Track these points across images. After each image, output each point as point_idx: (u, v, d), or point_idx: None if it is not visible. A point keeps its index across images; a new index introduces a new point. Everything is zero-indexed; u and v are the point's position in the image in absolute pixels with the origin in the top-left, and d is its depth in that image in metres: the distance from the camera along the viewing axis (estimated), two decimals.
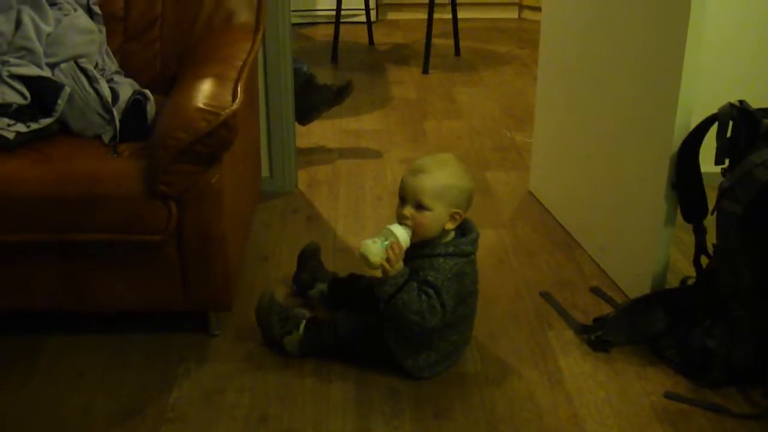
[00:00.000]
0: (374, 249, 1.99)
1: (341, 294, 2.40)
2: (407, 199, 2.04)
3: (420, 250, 2.07)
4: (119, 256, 2.15)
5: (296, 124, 3.45)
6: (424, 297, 2.00)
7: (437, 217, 2.03)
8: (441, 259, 2.04)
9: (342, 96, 3.52)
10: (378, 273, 2.05)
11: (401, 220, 2.04)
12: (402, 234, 2.01)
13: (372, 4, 5.39)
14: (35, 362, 2.22)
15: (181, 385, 2.14)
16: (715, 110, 2.12)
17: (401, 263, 2.02)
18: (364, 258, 1.99)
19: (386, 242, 1.99)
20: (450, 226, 2.06)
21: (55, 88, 2.23)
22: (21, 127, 2.16)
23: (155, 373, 2.18)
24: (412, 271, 2.04)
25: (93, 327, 2.34)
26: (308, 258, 2.50)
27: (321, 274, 2.47)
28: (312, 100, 3.42)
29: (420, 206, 2.02)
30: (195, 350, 2.26)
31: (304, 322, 2.21)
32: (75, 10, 2.44)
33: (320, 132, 3.75)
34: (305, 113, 3.41)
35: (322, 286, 2.43)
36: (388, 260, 1.98)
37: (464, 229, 2.12)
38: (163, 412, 2.05)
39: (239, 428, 2.00)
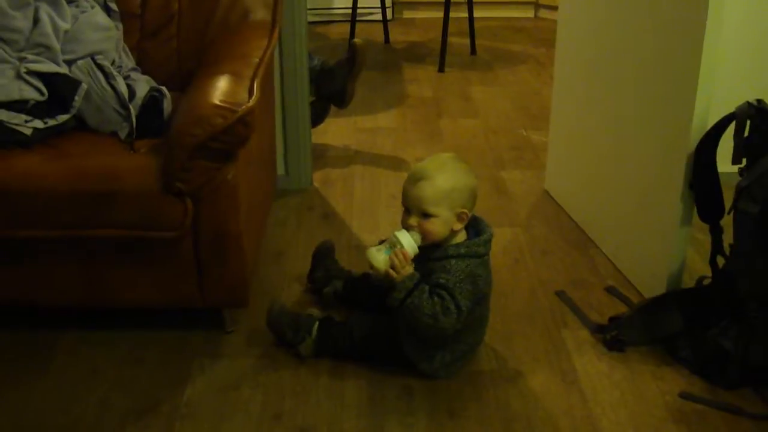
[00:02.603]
0: (379, 257, 2.01)
1: (356, 293, 2.40)
2: (411, 208, 2.05)
3: (431, 253, 2.07)
4: (135, 252, 2.15)
5: (325, 118, 3.48)
6: (436, 299, 1.99)
7: (443, 221, 2.03)
8: (453, 261, 2.03)
9: (354, 61, 3.43)
10: (387, 280, 2.04)
11: (408, 228, 2.05)
12: (408, 240, 2.02)
13: (388, 2, 5.39)
14: (51, 358, 2.23)
15: (195, 382, 2.14)
16: (732, 109, 2.11)
17: (409, 268, 2.02)
18: (370, 265, 2.03)
19: (390, 250, 2.01)
20: (458, 226, 2.06)
21: (72, 84, 2.24)
22: (38, 124, 2.17)
23: (170, 370, 2.18)
24: (424, 275, 2.04)
25: (108, 323, 2.35)
26: (322, 256, 2.50)
27: (335, 272, 2.46)
28: (337, 83, 3.41)
29: (425, 215, 2.02)
30: (209, 347, 2.27)
31: (317, 324, 2.20)
32: (92, 7, 2.45)
33: (336, 130, 3.75)
34: (339, 96, 3.41)
35: (337, 284, 2.43)
36: (393, 267, 1.99)
37: (478, 229, 2.12)
38: (177, 408, 2.05)
39: (253, 425, 2.00)
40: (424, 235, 2.03)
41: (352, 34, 4.83)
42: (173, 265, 2.17)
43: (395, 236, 2.03)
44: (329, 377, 2.16)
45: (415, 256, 2.04)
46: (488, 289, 2.13)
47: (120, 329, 2.33)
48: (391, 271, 2.00)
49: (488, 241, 2.10)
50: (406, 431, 1.98)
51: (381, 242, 2.08)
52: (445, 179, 2.03)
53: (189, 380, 2.14)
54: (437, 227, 2.03)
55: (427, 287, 2.01)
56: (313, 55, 3.39)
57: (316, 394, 2.10)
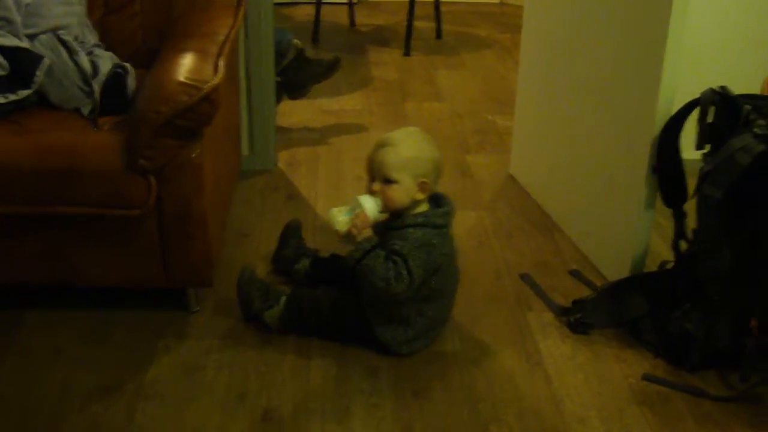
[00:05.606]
0: (339, 217, 2.03)
1: (322, 273, 2.39)
2: (374, 174, 2.08)
3: (391, 223, 2.10)
4: (99, 230, 2.13)
5: (281, 100, 3.45)
6: (390, 264, 2.02)
7: (405, 189, 2.06)
8: (410, 229, 2.06)
9: (330, 72, 3.53)
10: (345, 240, 2.07)
11: (371, 194, 2.07)
12: (370, 205, 2.04)
13: None
14: (13, 338, 2.20)
15: (159, 362, 2.12)
16: (696, 96, 2.13)
17: (367, 231, 2.05)
18: (330, 225, 2.04)
19: (352, 212, 2.03)
20: (420, 196, 2.08)
21: (34, 59, 2.19)
22: None
23: (134, 350, 2.16)
24: (383, 243, 2.06)
25: (72, 302, 2.32)
26: (290, 235, 2.50)
27: (303, 250, 2.47)
28: (303, 76, 3.42)
29: (387, 180, 2.05)
30: (174, 327, 2.25)
31: (285, 297, 2.21)
32: None
33: (301, 111, 3.73)
34: (297, 88, 3.44)
35: (306, 262, 2.42)
36: (354, 227, 2.02)
37: (439, 203, 2.14)
38: (141, 388, 2.03)
39: (217, 405, 1.99)
40: (385, 201, 2.06)
41: (318, 16, 4.80)
42: (137, 243, 2.14)
43: (357, 200, 2.05)
44: (295, 357, 2.15)
45: (377, 224, 2.07)
46: (445, 261, 2.13)
47: (84, 308, 2.30)
48: (353, 230, 2.02)
49: (447, 214, 2.12)
50: (371, 411, 1.98)
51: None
52: (408, 147, 2.07)
53: (153, 360, 2.13)
54: (398, 194, 2.06)
55: (383, 252, 2.04)
56: (285, 32, 3.39)
57: (281, 373, 2.10)
